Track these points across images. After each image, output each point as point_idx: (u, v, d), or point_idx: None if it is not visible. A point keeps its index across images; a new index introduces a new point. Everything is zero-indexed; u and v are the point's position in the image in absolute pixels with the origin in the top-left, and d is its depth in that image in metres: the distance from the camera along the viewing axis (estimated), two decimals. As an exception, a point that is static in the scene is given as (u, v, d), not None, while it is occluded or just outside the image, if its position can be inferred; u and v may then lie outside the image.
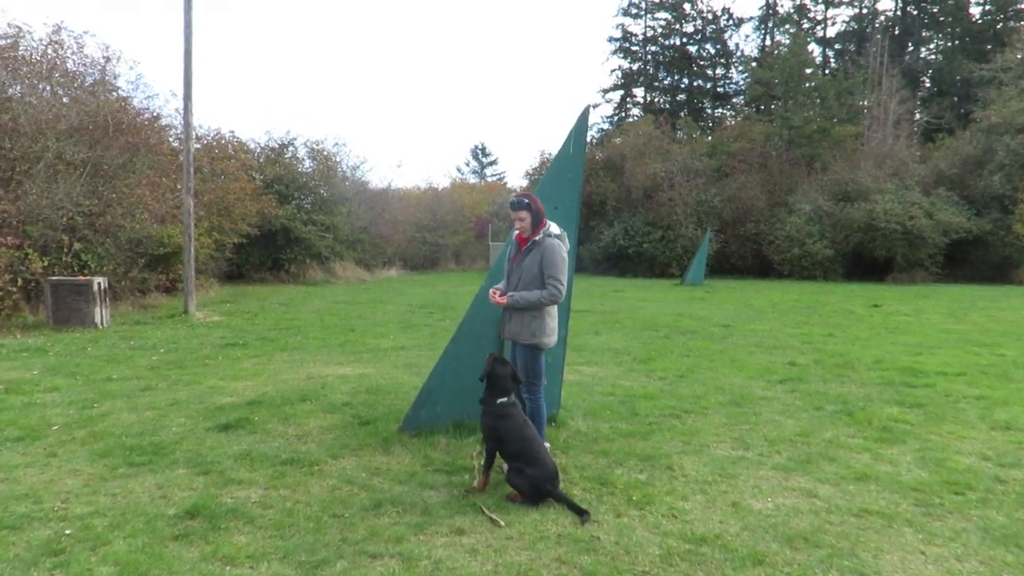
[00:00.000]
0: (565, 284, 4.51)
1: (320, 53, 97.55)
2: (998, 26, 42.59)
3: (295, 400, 6.26)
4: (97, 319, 11.52)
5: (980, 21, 44.25)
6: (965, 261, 27.42)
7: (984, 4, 44.39)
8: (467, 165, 64.00)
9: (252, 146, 24.27)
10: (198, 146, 19.46)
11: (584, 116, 5.34)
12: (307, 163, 25.89)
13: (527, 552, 3.39)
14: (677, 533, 3.62)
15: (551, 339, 4.62)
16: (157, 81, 54.18)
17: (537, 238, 4.51)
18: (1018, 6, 43.00)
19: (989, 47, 39.33)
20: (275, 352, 9.31)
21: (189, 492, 4.09)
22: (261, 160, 24.13)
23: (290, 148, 25.43)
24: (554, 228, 4.58)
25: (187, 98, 13.59)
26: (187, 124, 13.69)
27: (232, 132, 25.18)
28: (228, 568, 3.19)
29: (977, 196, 27.72)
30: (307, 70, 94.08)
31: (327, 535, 3.53)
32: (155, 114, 17.40)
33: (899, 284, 25.61)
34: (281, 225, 22.33)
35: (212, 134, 21.56)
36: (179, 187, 15.25)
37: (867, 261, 27.72)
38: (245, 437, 5.20)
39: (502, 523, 3.69)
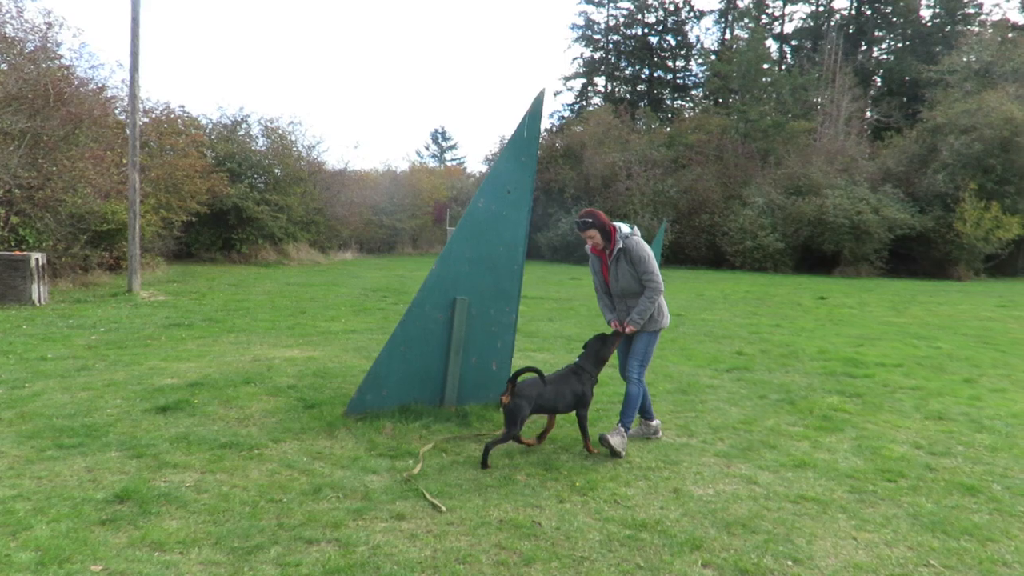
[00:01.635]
0: (658, 272, 4.70)
1: (277, 30, 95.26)
2: (947, 29, 43.86)
3: (239, 382, 6.11)
4: (34, 296, 11.08)
5: (930, 24, 45.50)
6: (908, 256, 28.32)
7: (934, 7, 45.68)
8: (427, 149, 63.51)
9: (203, 122, 23.64)
10: (146, 120, 18.84)
11: (539, 100, 5.30)
12: (261, 141, 25.30)
13: (467, 537, 3.36)
14: (618, 519, 3.64)
15: (668, 320, 4.92)
16: (103, 51, 52.32)
17: (620, 245, 4.68)
18: (966, 11, 44.36)
19: (938, 49, 40.49)
20: (221, 333, 9.08)
21: (120, 476, 3.95)
22: (213, 137, 23.50)
23: (243, 125, 24.82)
24: (624, 228, 4.74)
25: (134, 69, 13.10)
26: (133, 96, 13.21)
27: (182, 107, 24.50)
28: (156, 554, 3.09)
29: (921, 194, 28.59)
30: (264, 46, 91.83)
31: (263, 520, 3.45)
32: (100, 85, 16.82)
33: (845, 277, 26.32)
34: (233, 204, 21.80)
35: (161, 108, 20.92)
36: (125, 162, 14.73)
37: (816, 254, 28.40)
38: (184, 420, 5.06)
39: (443, 508, 3.66)
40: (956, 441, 5.22)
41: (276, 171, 24.56)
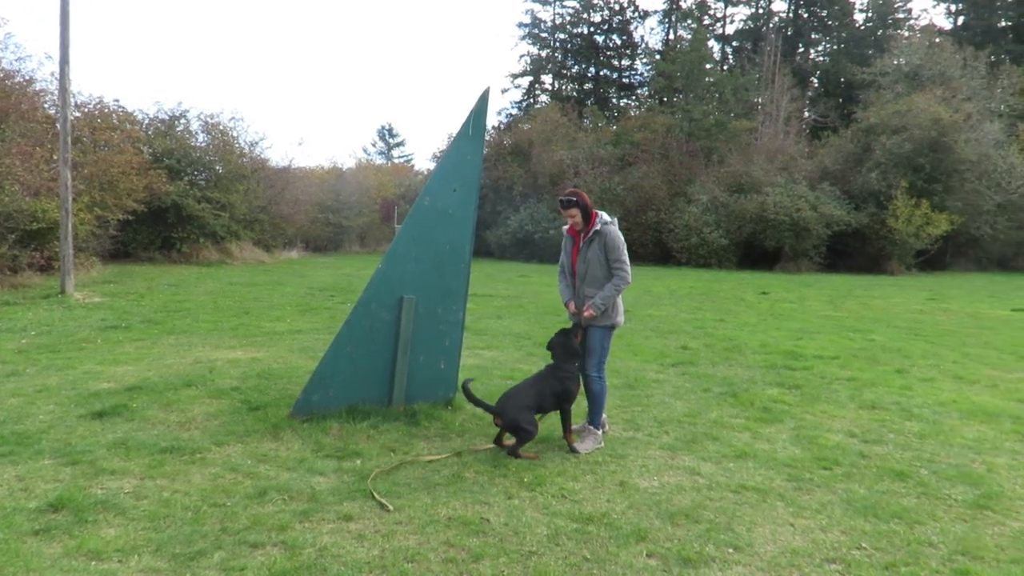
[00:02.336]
0: (629, 263, 4.80)
1: (216, 23, 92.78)
2: (879, 33, 45.60)
3: (179, 385, 5.95)
4: (-42, 299, 10.55)
5: (863, 27, 47.22)
6: (845, 252, 29.32)
7: (867, 11, 47.41)
8: (373, 146, 62.63)
9: (140, 117, 22.80)
10: (77, 114, 18.13)
11: (484, 98, 5.31)
12: (201, 137, 24.55)
13: (416, 536, 3.36)
14: (565, 513, 3.69)
15: (623, 318, 4.97)
16: (30, 42, 49.93)
17: (597, 228, 4.76)
18: (896, 16, 46.17)
19: (870, 52, 42.01)
20: (161, 335, 8.83)
21: (54, 484, 3.82)
22: (150, 132, 22.71)
23: (182, 121, 24.05)
24: (605, 216, 4.83)
25: (64, 61, 12.59)
26: (64, 90, 12.69)
27: (117, 101, 23.64)
28: (93, 563, 3.00)
29: (856, 191, 29.63)
30: (203, 39, 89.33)
31: (206, 525, 3.38)
32: (27, 78, 16.11)
33: (786, 273, 27.10)
34: (172, 202, 21.12)
35: (94, 102, 20.10)
36: (55, 158, 14.13)
37: (758, 251, 29.16)
38: (121, 425, 4.90)
39: (391, 507, 3.65)
40: (888, 429, 5.45)
41: (217, 168, 23.88)
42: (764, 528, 3.59)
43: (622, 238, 4.81)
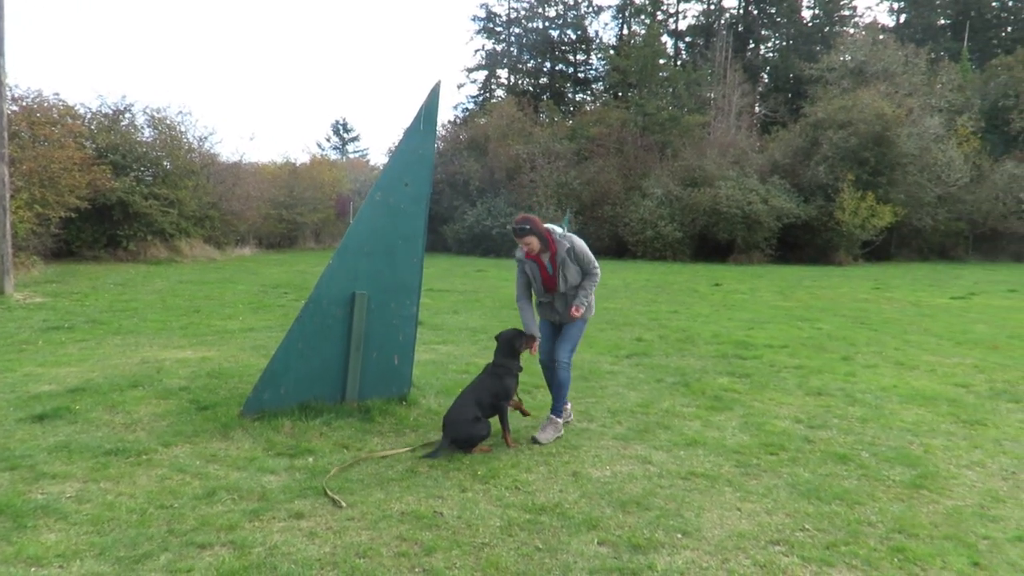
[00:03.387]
0: (596, 262, 5.04)
1: (162, 15, 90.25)
2: (825, 30, 46.75)
3: (125, 386, 5.80)
4: None
5: (810, 24, 48.35)
6: (795, 244, 30.06)
7: (814, 8, 48.55)
8: (328, 141, 61.76)
9: (82, 111, 22.02)
10: (14, 108, 17.48)
11: (435, 92, 5.28)
12: (147, 132, 23.85)
13: (368, 532, 3.35)
14: (519, 504, 3.72)
15: (593, 309, 5.20)
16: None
17: (564, 247, 4.84)
18: (842, 13, 47.38)
19: (818, 48, 43.07)
20: (106, 336, 8.59)
21: (-9, 490, 3.69)
22: (93, 127, 21.99)
23: (126, 115, 23.34)
24: (558, 230, 4.92)
25: (-1, 53, 12.10)
26: (-1, 83, 12.20)
27: (57, 95, 22.77)
28: (33, 570, 2.91)
29: (805, 184, 30.37)
30: (148, 32, 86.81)
31: (151, 528, 3.31)
32: (-40, 70, 15.34)
33: (739, 264, 27.65)
34: (118, 199, 20.51)
35: (32, 96, 19.36)
36: (-9, 153, 13.58)
37: (711, 243, 29.68)
38: (63, 428, 4.76)
39: (344, 504, 3.62)
40: (832, 414, 5.62)
41: (165, 164, 23.24)
42: (712, 513, 3.67)
43: (583, 243, 4.98)
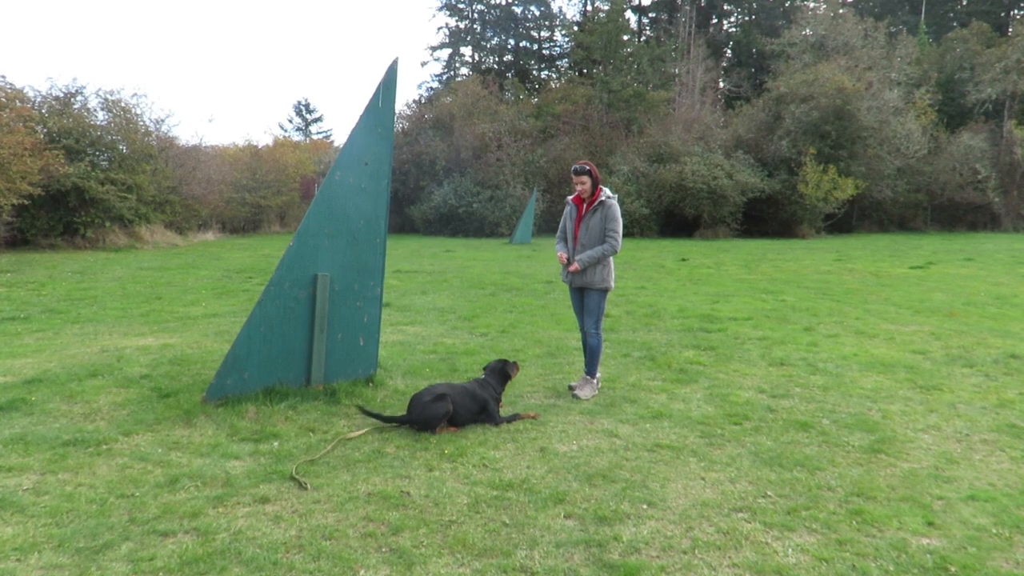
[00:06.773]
0: (621, 235, 5.37)
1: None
2: (787, 4, 47.00)
3: (83, 376, 5.67)
4: None
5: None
6: (760, 218, 30.43)
7: (776, -17, 48.72)
8: (290, 122, 60.49)
9: (31, 94, 21.26)
10: (-41, 92, 16.80)
11: (393, 69, 5.20)
12: (101, 115, 23.10)
13: (334, 514, 3.33)
14: (486, 481, 3.73)
15: (613, 282, 5.56)
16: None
17: (602, 199, 5.33)
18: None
19: (780, 24, 43.32)
20: (64, 325, 8.37)
21: (-57, 486, 3.59)
22: (43, 111, 21.26)
23: (79, 98, 22.57)
24: (608, 191, 5.40)
25: (-62, 34, 11.60)
26: (-60, 65, 11.70)
27: (3, 77, 21.99)
28: (-12, 565, 2.85)
29: (769, 159, 30.71)
30: (97, 11, 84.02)
31: (112, 517, 3.25)
32: (-101, 52, 14.71)
33: (705, 239, 27.93)
34: (73, 184, 19.89)
35: (-22, 79, 18.65)
36: (-65, 139, 13.08)
37: (678, 219, 29.91)
38: (19, 420, 4.64)
39: (308, 486, 3.60)
40: (794, 384, 5.73)
41: (121, 148, 22.58)
42: (677, 483, 3.73)
43: (620, 213, 5.37)
